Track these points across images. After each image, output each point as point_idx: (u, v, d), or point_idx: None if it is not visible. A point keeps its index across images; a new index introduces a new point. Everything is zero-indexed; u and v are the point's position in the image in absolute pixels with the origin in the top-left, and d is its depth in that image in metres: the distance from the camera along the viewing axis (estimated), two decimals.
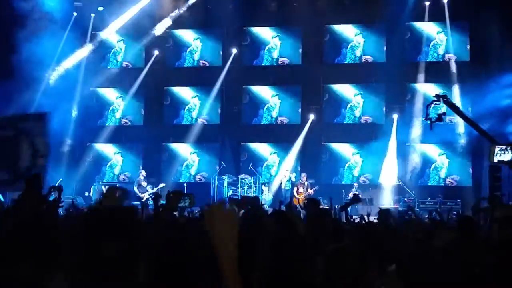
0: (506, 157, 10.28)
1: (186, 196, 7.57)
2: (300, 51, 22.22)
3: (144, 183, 19.18)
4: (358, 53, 21.85)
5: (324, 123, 21.71)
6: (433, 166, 20.75)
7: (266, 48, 22.54)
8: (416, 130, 20.35)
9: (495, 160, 10.74)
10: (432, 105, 14.43)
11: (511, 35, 17.99)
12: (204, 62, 22.90)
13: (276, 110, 22.29)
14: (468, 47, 21.00)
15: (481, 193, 17.56)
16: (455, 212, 15.02)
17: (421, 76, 21.04)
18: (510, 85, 19.10)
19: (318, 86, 21.86)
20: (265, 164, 22.06)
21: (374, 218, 16.35)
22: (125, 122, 23.11)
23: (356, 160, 21.29)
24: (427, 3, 20.76)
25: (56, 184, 9.44)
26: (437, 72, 20.92)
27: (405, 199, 18.99)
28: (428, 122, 14.38)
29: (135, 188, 18.83)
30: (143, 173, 19.63)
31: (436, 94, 14.99)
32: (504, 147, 10.35)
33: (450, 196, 19.10)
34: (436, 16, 20.96)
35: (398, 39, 21.21)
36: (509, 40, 18.11)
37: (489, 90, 19.23)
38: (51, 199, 9.51)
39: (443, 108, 15.40)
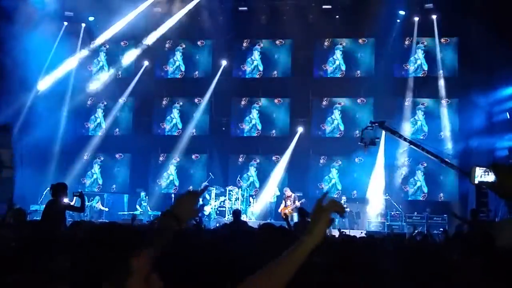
0: (484, 178, 10.34)
1: None
2: (290, 64, 22.28)
3: (207, 196, 19.42)
4: (347, 67, 21.94)
5: (312, 136, 21.74)
6: (420, 180, 20.81)
7: (256, 60, 22.60)
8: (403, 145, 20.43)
9: (476, 181, 10.80)
10: (366, 130, 15.60)
11: (500, 52, 18.07)
12: (193, 73, 22.91)
13: (265, 122, 22.32)
14: (457, 62, 21.13)
15: (468, 209, 17.57)
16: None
17: (410, 91, 21.14)
18: (498, 102, 19.21)
19: (307, 99, 21.92)
20: (252, 176, 22.08)
21: (361, 232, 16.51)
22: (114, 132, 23.01)
23: (344, 174, 21.27)
24: (417, 19, 20.87)
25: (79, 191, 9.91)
26: (426, 87, 20.99)
27: (392, 213, 19.01)
28: (363, 145, 15.58)
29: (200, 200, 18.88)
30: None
31: (371, 121, 16.14)
32: (485, 169, 10.43)
33: (437, 211, 19.11)
34: (425, 31, 21.08)
35: (388, 54, 21.32)
36: (498, 56, 18.21)
37: (478, 106, 19.33)
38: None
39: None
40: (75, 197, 10.80)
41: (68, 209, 9.83)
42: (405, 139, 15.90)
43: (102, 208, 20.37)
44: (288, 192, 18.98)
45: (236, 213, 12.03)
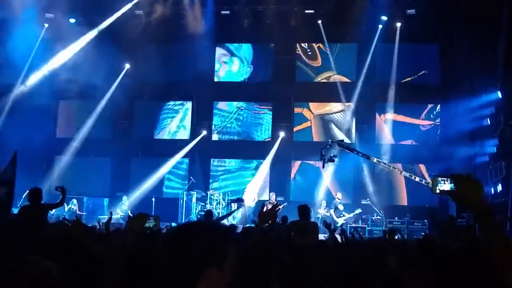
0: (445, 187, 10.28)
1: (151, 218, 7.78)
2: (272, 68, 22.26)
3: (341, 207, 18.50)
4: (328, 72, 21.97)
5: (294, 140, 21.73)
6: (400, 185, 20.87)
7: (237, 64, 22.56)
8: (384, 149, 20.56)
9: (437, 191, 10.71)
10: (325, 148, 16.51)
11: (481, 58, 18.19)
12: (175, 77, 22.71)
13: (247, 126, 22.28)
14: (439, 69, 21.23)
15: (448, 214, 17.62)
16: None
17: (391, 97, 21.21)
18: (479, 108, 19.31)
19: (289, 103, 21.91)
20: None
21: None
22: (94, 135, 22.71)
23: (327, 179, 21.21)
24: (398, 24, 20.93)
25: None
26: (408, 93, 21.07)
27: (373, 218, 19.02)
28: (321, 161, 16.47)
29: (332, 211, 18.24)
30: (339, 195, 18.98)
31: (330, 140, 17.49)
32: (445, 178, 10.32)
33: (417, 216, 19.13)
34: (407, 37, 21.13)
35: (369, 59, 21.38)
36: (479, 62, 18.32)
37: (459, 112, 19.43)
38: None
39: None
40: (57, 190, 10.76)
41: (49, 208, 9.87)
42: (363, 155, 16.43)
43: (79, 212, 19.77)
44: (273, 198, 18.95)
45: (208, 213, 12.09)
